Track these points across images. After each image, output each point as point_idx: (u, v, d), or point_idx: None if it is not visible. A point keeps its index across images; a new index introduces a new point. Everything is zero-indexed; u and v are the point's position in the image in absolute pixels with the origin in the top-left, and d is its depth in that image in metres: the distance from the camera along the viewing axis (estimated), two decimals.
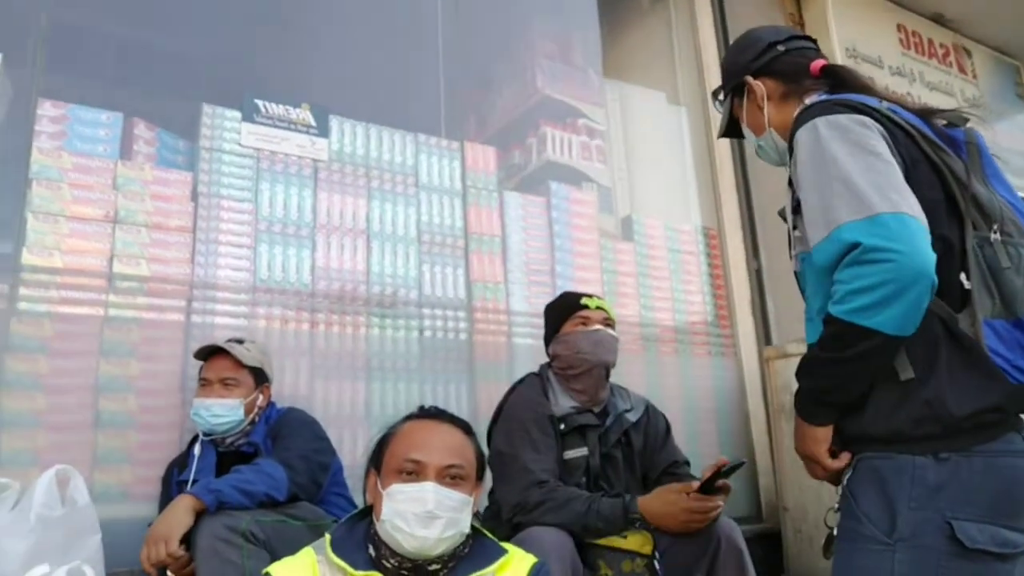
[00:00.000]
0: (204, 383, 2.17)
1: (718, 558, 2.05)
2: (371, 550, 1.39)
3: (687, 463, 2.33)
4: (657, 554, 2.14)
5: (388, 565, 1.37)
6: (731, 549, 2.06)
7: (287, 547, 1.68)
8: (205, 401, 2.14)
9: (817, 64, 1.51)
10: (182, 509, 1.77)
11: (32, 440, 2.16)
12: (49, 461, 2.00)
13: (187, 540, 1.77)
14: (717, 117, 1.71)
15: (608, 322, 2.27)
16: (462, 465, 1.44)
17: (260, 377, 2.24)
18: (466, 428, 1.53)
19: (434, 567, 1.38)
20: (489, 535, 1.51)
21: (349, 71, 3.23)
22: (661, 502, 1.91)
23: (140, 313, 2.39)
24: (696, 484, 1.89)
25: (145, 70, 2.82)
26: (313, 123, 2.85)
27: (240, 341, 2.24)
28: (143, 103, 2.61)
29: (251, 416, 2.20)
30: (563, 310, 2.29)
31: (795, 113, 1.43)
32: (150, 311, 2.40)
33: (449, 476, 1.41)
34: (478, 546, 1.46)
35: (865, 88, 1.44)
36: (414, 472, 1.39)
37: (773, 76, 1.53)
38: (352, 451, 2.58)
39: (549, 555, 1.82)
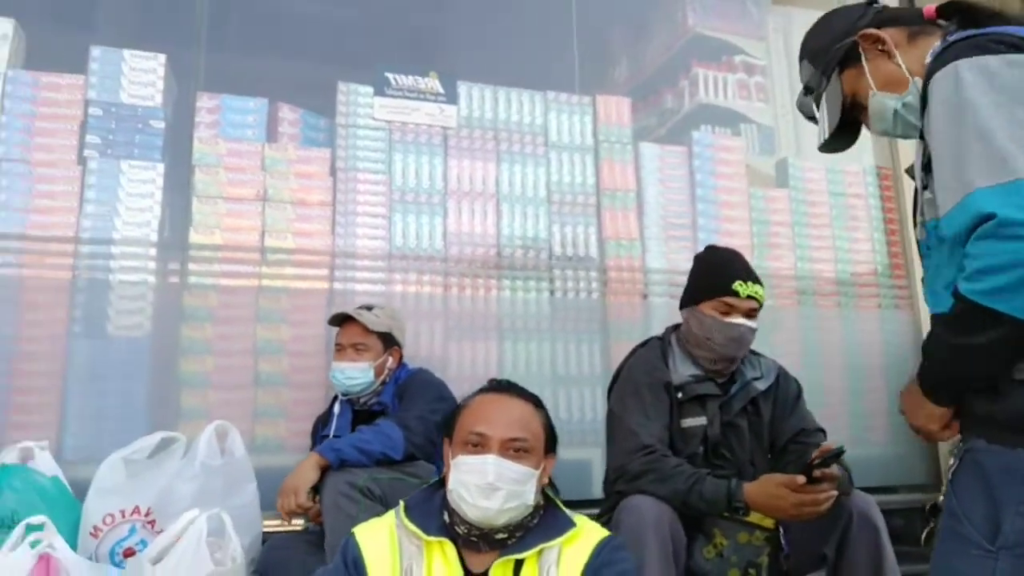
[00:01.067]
0: (339, 348, 2.36)
1: (849, 534, 1.92)
2: (445, 516, 1.46)
3: (820, 430, 2.17)
4: (781, 528, 2.04)
5: (459, 531, 1.43)
6: (865, 525, 1.92)
7: (395, 502, 1.81)
8: (340, 364, 2.33)
9: (929, 8, 1.28)
10: (309, 466, 1.97)
11: (204, 398, 2.48)
12: (217, 416, 2.28)
13: (317, 491, 1.97)
14: None
15: (753, 312, 2.12)
16: (526, 439, 1.46)
17: (389, 341, 2.38)
18: (535, 402, 1.54)
19: (500, 536, 1.42)
20: (562, 507, 1.52)
21: (476, 34, 3.25)
22: (766, 495, 1.79)
23: (288, 283, 2.63)
24: (801, 477, 1.75)
25: (287, 52, 3.02)
26: (441, 91, 2.92)
27: (370, 307, 2.40)
28: (286, 86, 2.82)
29: (381, 377, 2.36)
30: (710, 286, 2.12)
31: (930, 54, 1.20)
32: (297, 280, 2.64)
33: (513, 449, 1.44)
34: (549, 517, 1.48)
35: (1000, 18, 1.21)
36: (479, 444, 1.43)
37: (889, 25, 1.29)
38: None
39: (646, 526, 1.80)
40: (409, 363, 2.47)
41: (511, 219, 2.91)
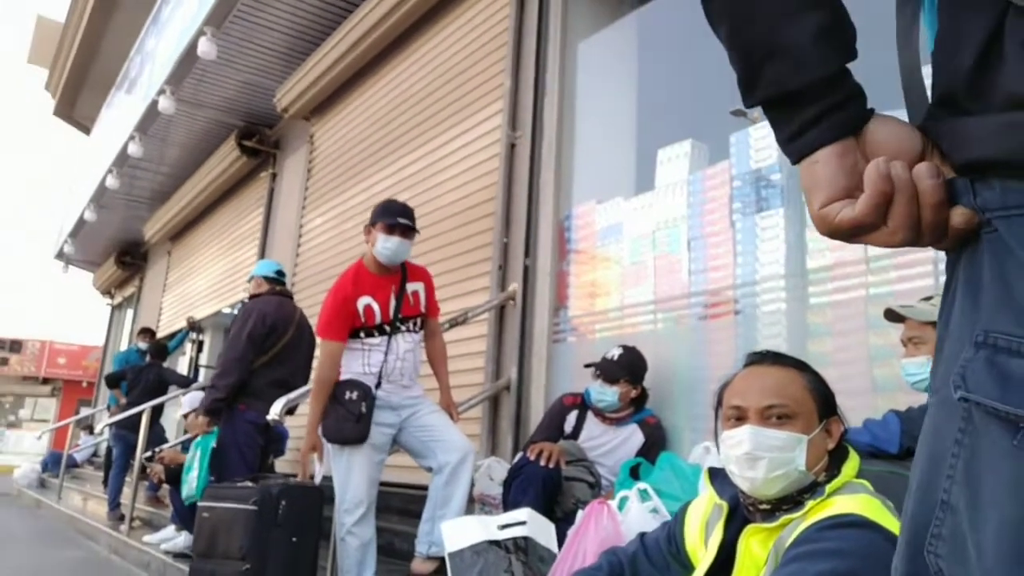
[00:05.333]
0: (903, 343, 2.25)
1: None
2: None
3: None
4: None
5: (741, 499, 1.46)
6: None
7: (892, 499, 1.75)
8: (903, 361, 2.22)
9: None
10: None
11: None
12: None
13: None
14: None
15: None
16: (784, 404, 1.38)
17: None
18: (798, 366, 1.41)
19: (764, 507, 1.39)
20: (851, 482, 1.33)
21: None
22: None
23: (893, 286, 2.58)
24: None
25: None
26: None
27: (929, 298, 2.21)
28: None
29: None
30: None
31: None
32: (900, 282, 2.56)
33: (775, 416, 1.39)
34: (818, 491, 1.33)
35: None
36: (740, 418, 1.44)
37: None
38: None
39: None
40: None
41: None
